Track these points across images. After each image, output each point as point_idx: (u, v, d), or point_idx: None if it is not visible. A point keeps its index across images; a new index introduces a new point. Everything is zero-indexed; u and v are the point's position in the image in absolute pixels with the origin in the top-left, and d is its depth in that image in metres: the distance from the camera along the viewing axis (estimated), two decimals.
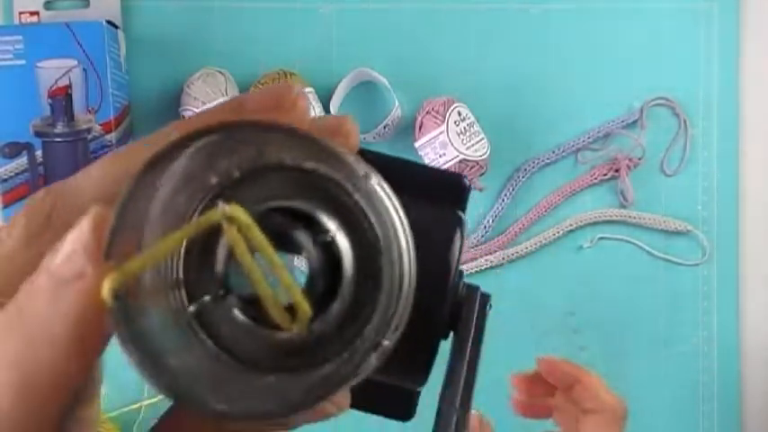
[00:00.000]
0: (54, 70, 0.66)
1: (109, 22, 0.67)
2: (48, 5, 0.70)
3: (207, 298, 0.19)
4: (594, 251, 0.73)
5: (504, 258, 0.72)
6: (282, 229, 0.20)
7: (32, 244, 0.21)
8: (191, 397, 0.18)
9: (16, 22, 0.70)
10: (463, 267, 0.71)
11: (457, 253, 0.26)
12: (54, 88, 0.66)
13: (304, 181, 0.20)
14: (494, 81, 0.73)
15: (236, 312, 0.19)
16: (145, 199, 0.19)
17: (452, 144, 0.67)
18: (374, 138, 0.70)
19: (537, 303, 0.73)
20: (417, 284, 0.21)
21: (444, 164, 0.68)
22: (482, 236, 0.72)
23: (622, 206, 0.73)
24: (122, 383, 0.70)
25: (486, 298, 0.28)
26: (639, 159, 0.73)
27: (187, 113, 0.68)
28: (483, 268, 0.72)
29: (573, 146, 0.73)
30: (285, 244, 0.20)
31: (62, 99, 0.66)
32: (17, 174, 0.66)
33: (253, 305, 0.19)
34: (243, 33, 0.72)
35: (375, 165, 0.20)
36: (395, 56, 0.72)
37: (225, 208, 0.18)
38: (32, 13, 0.70)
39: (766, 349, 0.75)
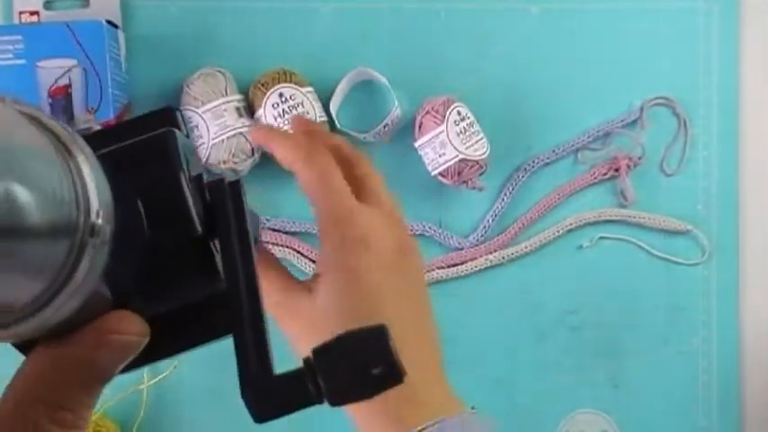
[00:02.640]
0: (54, 70, 0.66)
1: (109, 22, 0.67)
2: (47, 5, 0.70)
3: None
4: (594, 251, 0.73)
5: (503, 258, 0.72)
6: None
7: None
8: None
9: (16, 21, 0.70)
10: (463, 267, 0.71)
11: (176, 161, 0.28)
12: (54, 88, 0.66)
13: None
14: (493, 81, 0.73)
15: None
16: None
17: (452, 143, 0.67)
18: (374, 137, 0.70)
19: (537, 303, 0.73)
20: (153, 201, 0.27)
21: (444, 163, 0.68)
22: (482, 235, 0.72)
23: (622, 206, 0.73)
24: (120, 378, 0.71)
25: (236, 185, 0.31)
26: (639, 159, 0.73)
27: (187, 113, 0.68)
28: (483, 268, 0.72)
29: (573, 145, 0.73)
30: None
31: (62, 99, 0.66)
32: None
33: None
34: (243, 33, 0.72)
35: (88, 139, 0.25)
36: (395, 55, 0.72)
37: None
38: (32, 13, 0.70)
39: (766, 349, 0.75)
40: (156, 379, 0.71)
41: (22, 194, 0.20)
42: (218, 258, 0.30)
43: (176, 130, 0.30)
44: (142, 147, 0.29)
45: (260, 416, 0.27)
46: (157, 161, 0.28)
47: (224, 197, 0.30)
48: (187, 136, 0.31)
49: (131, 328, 0.26)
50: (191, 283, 0.29)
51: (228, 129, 0.67)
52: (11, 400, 0.24)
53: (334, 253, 0.40)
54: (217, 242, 0.30)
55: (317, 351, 0.28)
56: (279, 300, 0.41)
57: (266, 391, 0.27)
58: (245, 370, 0.27)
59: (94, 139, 0.28)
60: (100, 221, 0.23)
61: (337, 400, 0.27)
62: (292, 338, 0.41)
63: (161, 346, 0.28)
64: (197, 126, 0.67)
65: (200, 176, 0.30)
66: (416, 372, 0.36)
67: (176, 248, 0.28)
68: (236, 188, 0.31)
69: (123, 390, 0.71)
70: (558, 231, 0.73)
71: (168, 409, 0.71)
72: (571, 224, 0.73)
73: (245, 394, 0.27)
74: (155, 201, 0.27)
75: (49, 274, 0.22)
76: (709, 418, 0.74)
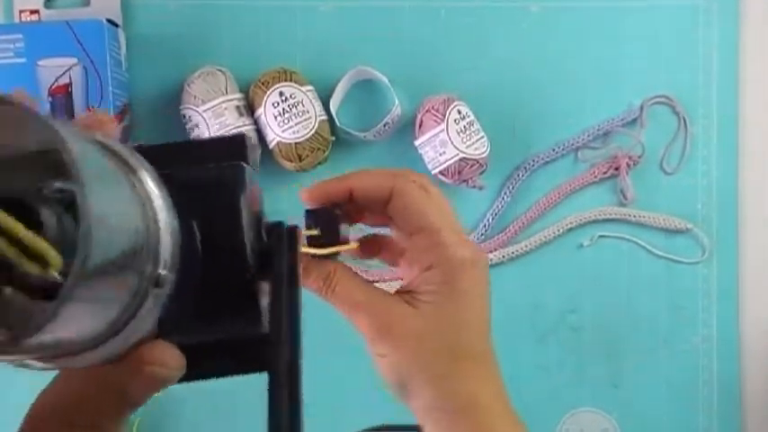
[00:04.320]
0: (54, 68, 0.66)
1: (109, 21, 0.67)
2: (48, 4, 0.70)
3: None
4: (594, 249, 0.73)
5: (504, 257, 0.72)
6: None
7: None
8: None
9: (17, 20, 0.70)
10: None
11: (242, 199, 0.27)
12: (54, 86, 0.66)
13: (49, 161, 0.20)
14: (494, 79, 0.73)
15: None
16: None
17: (452, 142, 0.67)
18: (374, 136, 0.70)
19: (537, 302, 0.73)
20: (210, 234, 0.26)
21: (444, 162, 0.68)
22: (482, 234, 0.72)
23: (622, 204, 0.73)
24: None
25: (293, 232, 0.30)
26: (639, 157, 0.73)
27: (187, 112, 0.68)
28: None
29: (573, 144, 0.73)
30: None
31: (62, 97, 0.66)
32: None
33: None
34: (243, 31, 0.72)
35: (148, 154, 0.24)
36: (395, 54, 0.72)
37: None
38: (33, 12, 0.70)
39: (766, 347, 0.75)
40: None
41: (104, 230, 0.19)
42: (263, 302, 0.29)
43: (246, 165, 0.28)
44: (209, 176, 0.28)
45: None
46: (222, 195, 0.27)
47: (281, 243, 0.30)
48: (254, 168, 0.30)
49: (171, 361, 0.26)
50: (232, 322, 0.28)
51: (229, 127, 0.67)
52: (37, 417, 0.24)
53: (442, 274, 0.39)
54: (264, 283, 0.29)
55: None
56: (366, 305, 0.39)
57: None
58: (275, 427, 0.27)
59: (154, 156, 0.26)
60: (165, 272, 0.23)
61: None
62: (378, 340, 0.39)
63: (185, 373, 0.28)
64: (197, 125, 0.67)
65: (258, 215, 0.29)
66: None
67: (225, 285, 0.27)
68: (292, 235, 0.30)
69: None
70: (559, 230, 0.73)
71: (168, 409, 0.71)
72: (571, 223, 0.73)
73: None
74: (212, 234, 0.26)
75: (116, 311, 0.22)
76: (709, 418, 0.74)
